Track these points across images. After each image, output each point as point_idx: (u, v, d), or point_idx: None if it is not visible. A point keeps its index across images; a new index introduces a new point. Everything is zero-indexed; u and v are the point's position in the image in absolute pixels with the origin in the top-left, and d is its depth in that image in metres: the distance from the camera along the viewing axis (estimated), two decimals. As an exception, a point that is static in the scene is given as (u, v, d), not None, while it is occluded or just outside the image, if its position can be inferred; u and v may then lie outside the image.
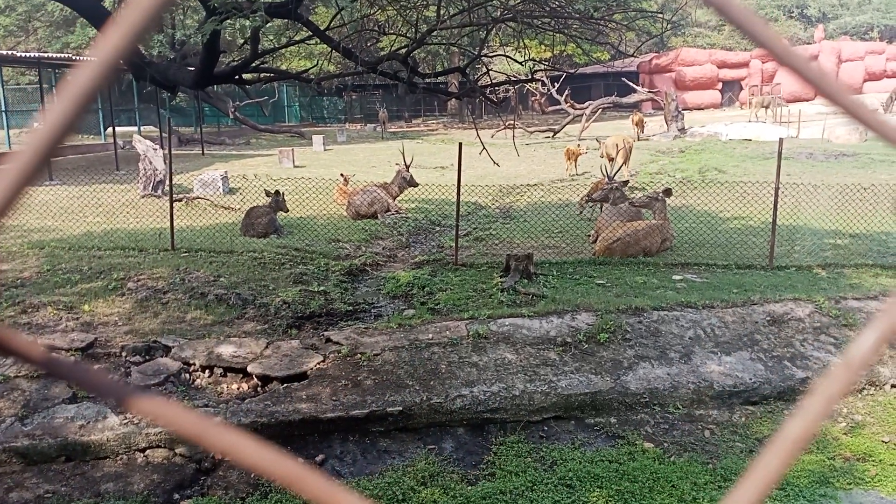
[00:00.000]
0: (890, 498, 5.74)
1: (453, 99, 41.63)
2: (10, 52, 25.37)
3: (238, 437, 0.37)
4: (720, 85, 48.89)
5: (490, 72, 11.03)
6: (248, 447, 0.37)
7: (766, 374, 7.20)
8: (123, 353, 7.14)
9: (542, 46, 19.18)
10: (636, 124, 29.76)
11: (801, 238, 11.69)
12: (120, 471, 5.90)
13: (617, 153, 17.98)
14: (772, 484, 0.40)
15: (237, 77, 10.42)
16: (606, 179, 12.63)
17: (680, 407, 6.86)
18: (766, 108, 32.82)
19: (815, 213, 12.78)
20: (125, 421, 6.25)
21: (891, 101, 35.32)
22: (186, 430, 0.37)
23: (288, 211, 12.55)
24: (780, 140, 10.62)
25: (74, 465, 5.91)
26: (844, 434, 6.58)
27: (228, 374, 7.04)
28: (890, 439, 6.48)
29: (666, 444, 6.37)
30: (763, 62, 48.61)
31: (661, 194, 11.11)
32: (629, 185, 12.65)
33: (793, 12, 63.18)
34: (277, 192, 12.37)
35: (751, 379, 7.12)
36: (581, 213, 13.71)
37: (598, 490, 5.66)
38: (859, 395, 7.18)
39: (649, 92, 35.98)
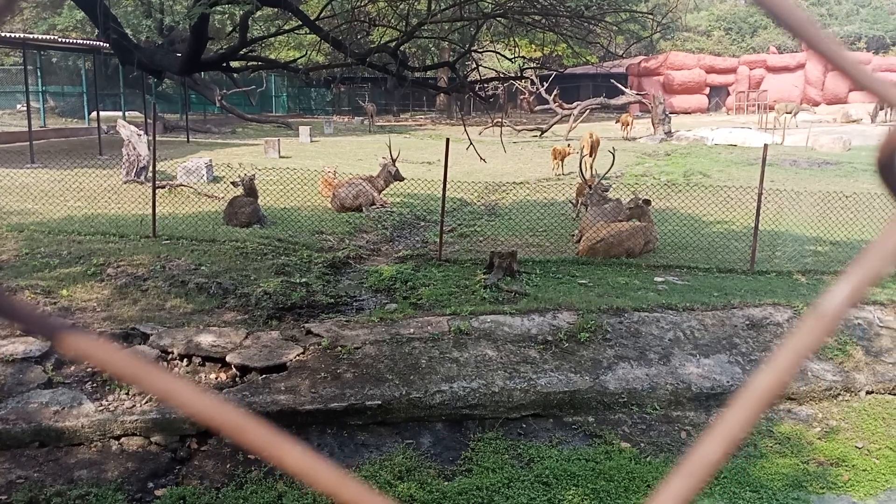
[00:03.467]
0: (861, 503, 5.80)
1: (442, 94, 41.62)
2: (-6, 32, 25.00)
3: (174, 381, 0.36)
4: (707, 90, 49.18)
5: (480, 67, 11.01)
6: (184, 391, 0.36)
7: (743, 377, 7.26)
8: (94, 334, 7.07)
9: (533, 45, 19.21)
10: (624, 124, 30.28)
11: (783, 244, 11.79)
12: (94, 458, 5.84)
13: (589, 148, 18.52)
14: (738, 436, 0.39)
15: (225, 64, 10.34)
16: (583, 181, 12.84)
17: (657, 408, 6.90)
18: (790, 114, 33.17)
19: (797, 220, 12.89)
20: (100, 408, 6.19)
21: (877, 110, 35.71)
22: (119, 370, 0.36)
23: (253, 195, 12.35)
24: (765, 146, 10.70)
25: (48, 451, 5.84)
26: (819, 439, 6.65)
27: (207, 364, 6.99)
28: (863, 445, 6.55)
29: (643, 445, 6.40)
30: (751, 68, 48.98)
31: (641, 201, 11.19)
32: (611, 188, 12.72)
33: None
34: (235, 182, 12.24)
35: (728, 382, 7.17)
36: (577, 216, 13.70)
37: (574, 488, 5.68)
38: (834, 401, 7.25)
39: (637, 94, 36.13)
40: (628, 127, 30.45)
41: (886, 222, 0.43)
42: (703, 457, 0.38)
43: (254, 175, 12.37)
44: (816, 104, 45.96)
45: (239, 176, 12.46)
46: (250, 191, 12.23)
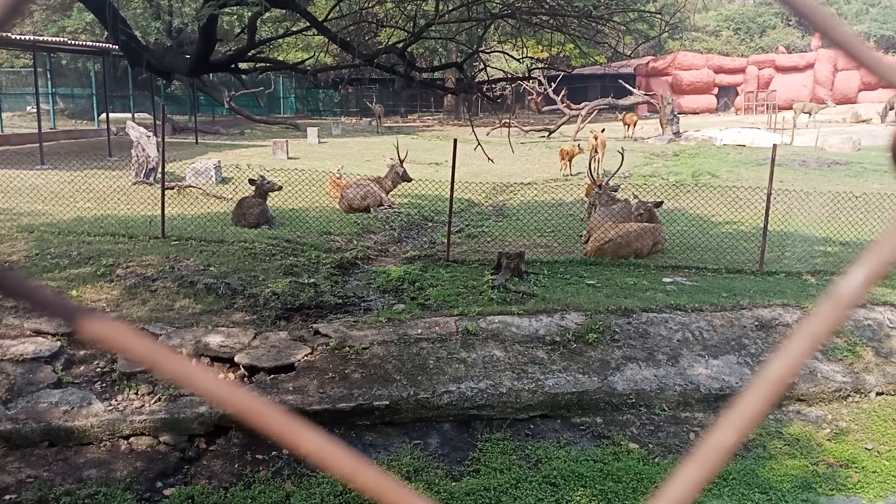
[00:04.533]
0: (871, 504, 5.77)
1: (449, 95, 41.63)
2: (4, 35, 25.13)
3: (192, 367, 0.36)
4: (716, 90, 49.03)
5: (487, 68, 11.02)
6: (201, 376, 0.36)
7: (752, 378, 7.23)
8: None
9: (540, 46, 19.21)
10: (628, 124, 30.57)
11: (792, 244, 11.74)
12: (103, 457, 5.87)
13: (596, 148, 18.87)
14: (753, 422, 0.38)
15: (233, 66, 10.37)
16: (591, 181, 12.89)
17: (666, 409, 6.88)
18: (809, 114, 33.20)
19: (807, 220, 12.83)
20: (110, 408, 6.22)
21: (887, 110, 35.52)
22: (138, 354, 0.36)
23: (280, 188, 12.50)
24: (774, 146, 10.65)
25: (57, 451, 5.87)
26: (828, 440, 6.61)
27: (215, 364, 7.01)
28: (873, 447, 6.52)
29: (651, 446, 6.38)
30: (759, 68, 48.79)
31: (650, 205, 11.18)
32: (619, 189, 12.71)
33: (790, 20, 63.44)
34: (252, 179, 12.35)
35: (737, 383, 7.14)
36: (590, 216, 13.74)
37: (582, 489, 5.67)
38: (844, 402, 7.22)
39: (645, 94, 36.06)
40: (633, 126, 30.66)
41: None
42: (717, 443, 0.38)
43: (269, 183, 12.49)
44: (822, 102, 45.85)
45: (258, 174, 12.55)
46: (263, 191, 12.31)
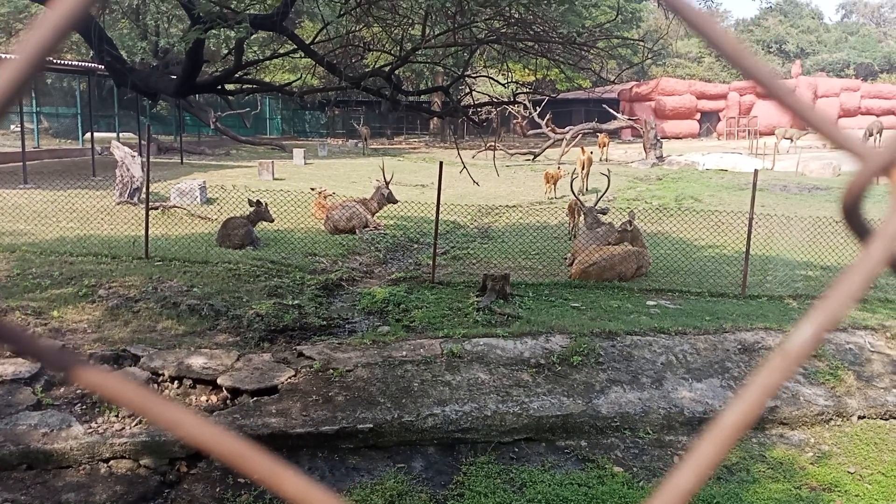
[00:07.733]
0: (854, 529, 5.79)
1: (436, 118, 41.87)
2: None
3: (181, 412, 0.37)
4: (698, 115, 49.63)
5: (473, 92, 11.11)
6: (189, 422, 0.37)
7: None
8: (91, 362, 7.02)
9: (526, 70, 19.43)
10: (601, 146, 31.56)
11: (774, 268, 11.85)
12: (82, 481, 5.78)
13: (582, 167, 20.08)
14: (708, 470, 0.40)
15: (219, 87, 10.40)
16: (574, 198, 13.09)
17: (650, 432, 6.89)
18: (790, 139, 33.79)
19: (788, 245, 12.97)
20: (89, 430, 6.14)
21: (866, 136, 36.12)
22: (129, 402, 0.37)
23: (272, 220, 12.52)
24: (755, 172, 10.79)
25: (36, 474, 5.78)
26: (811, 464, 6.64)
27: (198, 386, 6.95)
28: (856, 470, 6.55)
29: (635, 469, 6.38)
30: (741, 94, 49.48)
31: (626, 224, 11.24)
32: (608, 212, 12.81)
33: (771, 47, 64.56)
34: (259, 202, 12.32)
35: (721, 406, 7.17)
36: (578, 231, 13.83)
37: (566, 513, 5.64)
38: (826, 426, 7.26)
39: (629, 119, 36.46)
40: (605, 148, 31.77)
41: (850, 264, 0.45)
42: (677, 487, 0.39)
43: (268, 213, 12.48)
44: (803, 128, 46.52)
45: (263, 201, 12.47)
46: (259, 217, 12.27)
